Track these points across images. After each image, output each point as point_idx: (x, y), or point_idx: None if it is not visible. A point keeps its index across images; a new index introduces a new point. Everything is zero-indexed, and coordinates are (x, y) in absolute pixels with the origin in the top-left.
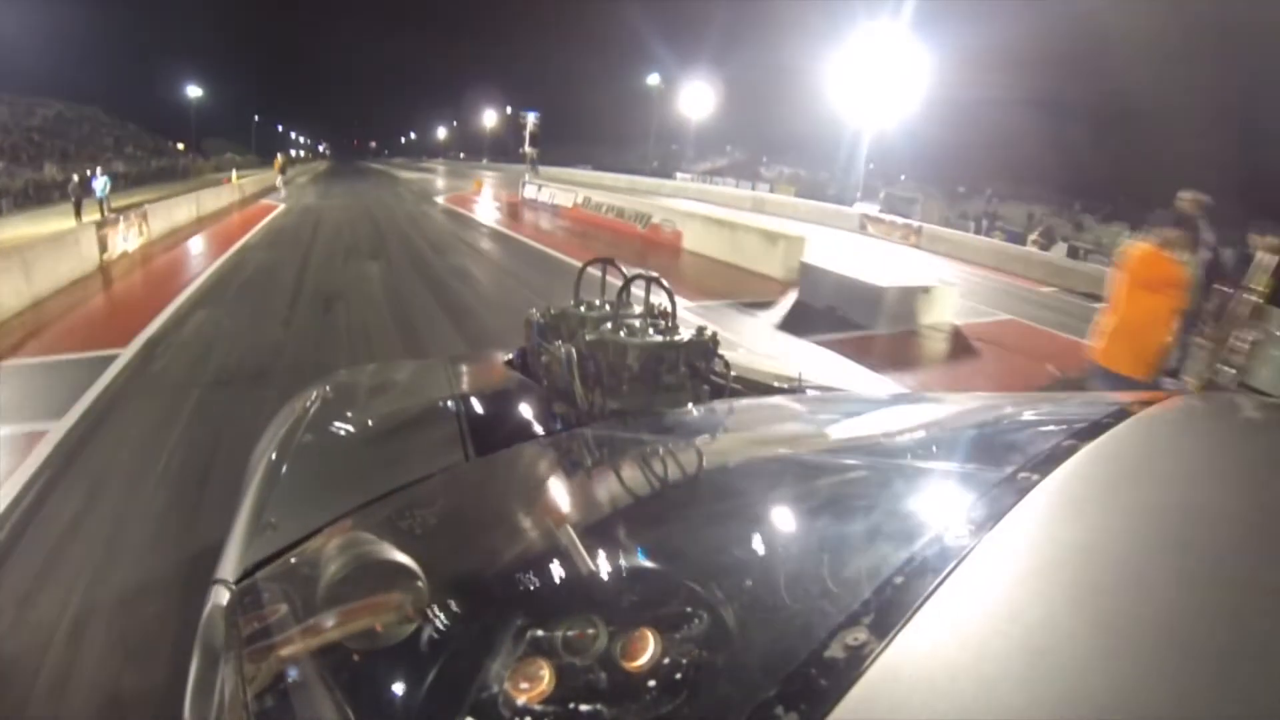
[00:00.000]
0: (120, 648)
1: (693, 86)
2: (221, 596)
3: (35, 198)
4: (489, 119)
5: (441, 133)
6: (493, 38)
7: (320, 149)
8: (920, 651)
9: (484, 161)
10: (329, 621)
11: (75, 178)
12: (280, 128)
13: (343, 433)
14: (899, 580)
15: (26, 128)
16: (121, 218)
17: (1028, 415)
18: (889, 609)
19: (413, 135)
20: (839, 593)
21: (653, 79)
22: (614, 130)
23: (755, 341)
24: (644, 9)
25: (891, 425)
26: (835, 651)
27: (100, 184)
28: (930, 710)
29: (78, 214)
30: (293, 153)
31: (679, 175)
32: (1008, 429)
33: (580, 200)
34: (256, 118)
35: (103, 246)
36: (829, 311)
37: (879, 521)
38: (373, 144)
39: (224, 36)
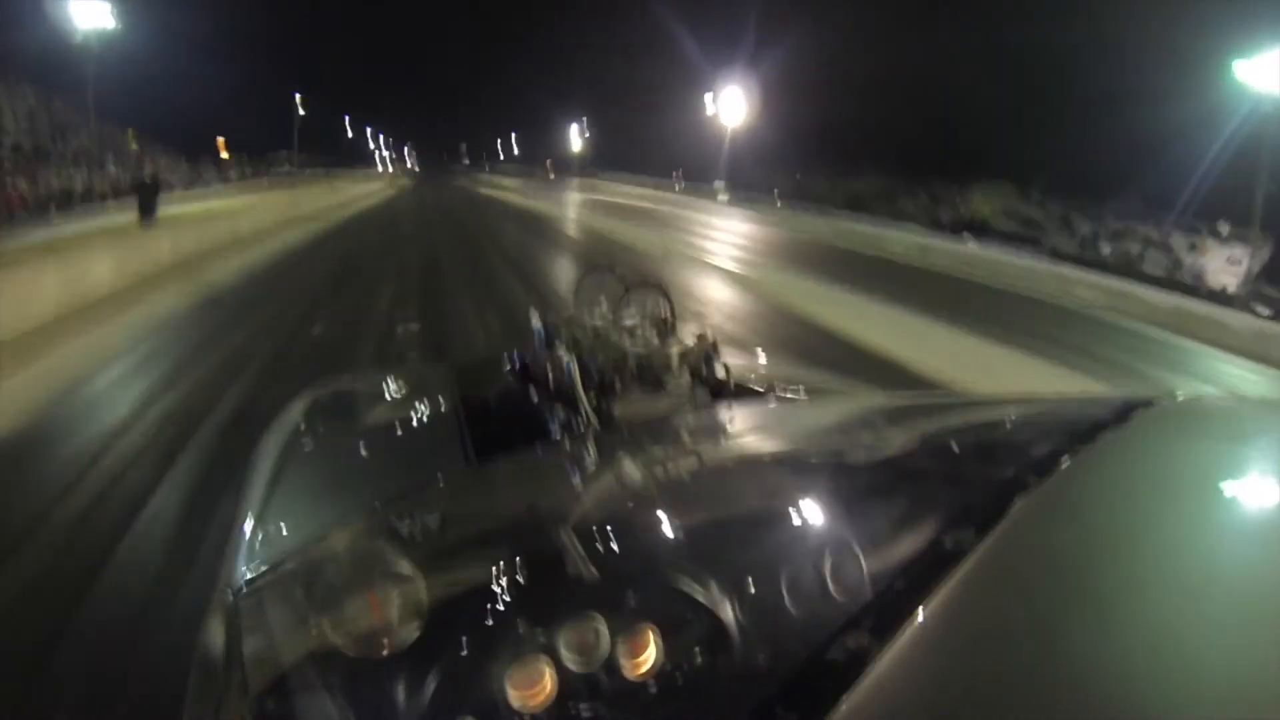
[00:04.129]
0: None
1: None
2: (222, 603)
3: None
4: (737, 104)
5: (575, 141)
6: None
7: (406, 156)
8: (921, 654)
9: (718, 186)
10: (330, 627)
11: None
12: (350, 130)
13: (343, 438)
14: (899, 583)
15: None
16: None
17: (1027, 417)
18: (889, 611)
19: (515, 149)
20: (839, 595)
21: None
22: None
23: None
24: None
25: (891, 427)
26: (836, 654)
27: None
28: (930, 713)
29: None
30: (380, 164)
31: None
32: (1007, 430)
33: None
34: (300, 104)
35: None
36: None
37: (879, 524)
38: (464, 153)
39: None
